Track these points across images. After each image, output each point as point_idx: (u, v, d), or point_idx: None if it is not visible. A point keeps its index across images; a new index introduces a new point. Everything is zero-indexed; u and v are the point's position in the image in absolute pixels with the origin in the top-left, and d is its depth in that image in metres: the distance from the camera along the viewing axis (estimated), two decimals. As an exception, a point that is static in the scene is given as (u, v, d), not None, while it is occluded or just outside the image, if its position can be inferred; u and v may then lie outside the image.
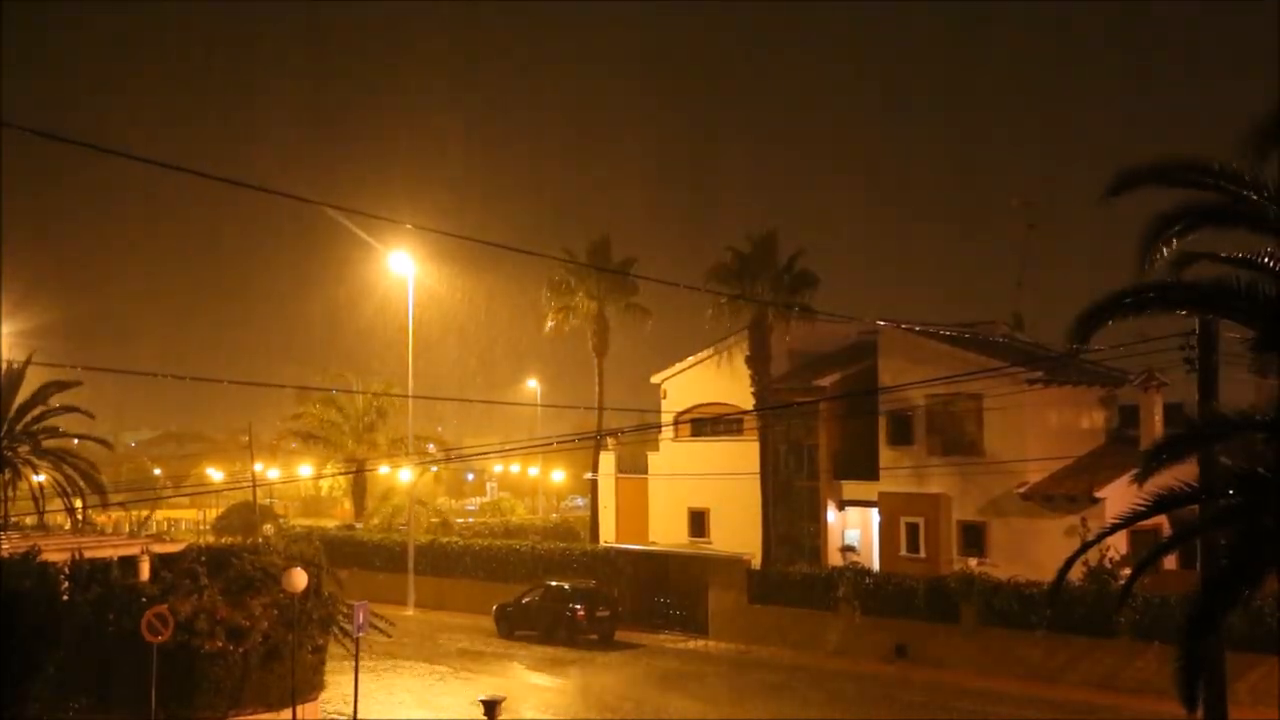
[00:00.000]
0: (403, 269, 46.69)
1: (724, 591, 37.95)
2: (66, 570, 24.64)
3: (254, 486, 52.54)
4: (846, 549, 38.82)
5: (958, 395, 35.31)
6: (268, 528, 53.08)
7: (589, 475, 49.52)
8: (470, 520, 64.77)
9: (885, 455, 38.53)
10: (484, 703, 20.12)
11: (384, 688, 30.03)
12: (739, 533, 40.43)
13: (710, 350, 44.17)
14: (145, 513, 59.06)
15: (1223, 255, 13.42)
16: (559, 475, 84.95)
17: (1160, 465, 13.02)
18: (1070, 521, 32.84)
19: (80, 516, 38.81)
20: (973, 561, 34.44)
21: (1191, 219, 13.40)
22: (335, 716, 26.60)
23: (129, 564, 26.41)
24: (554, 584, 38.93)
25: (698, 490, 43.53)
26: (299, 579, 23.55)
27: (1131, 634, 28.86)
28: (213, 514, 68.07)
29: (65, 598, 24.06)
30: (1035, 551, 33.12)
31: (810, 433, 41.18)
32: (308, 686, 25.06)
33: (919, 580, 33.59)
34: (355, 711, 24.94)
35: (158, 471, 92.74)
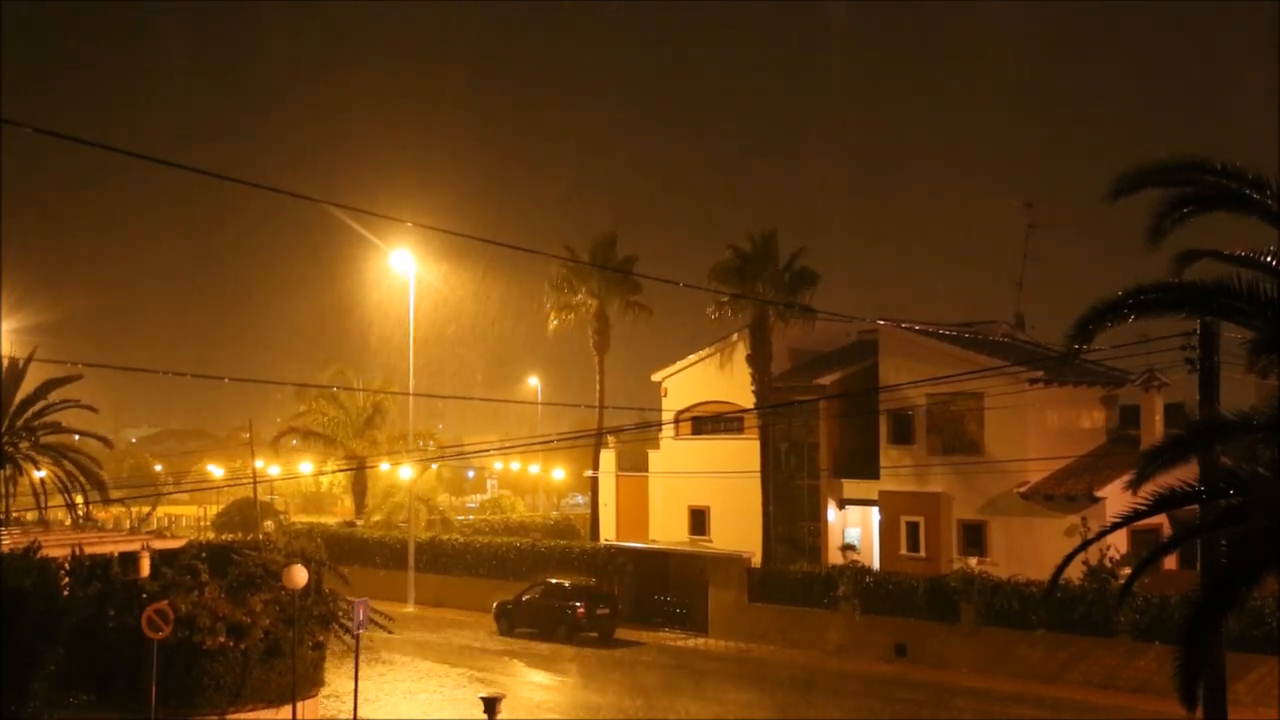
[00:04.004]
0: (404, 267, 46.79)
1: (724, 590, 37.97)
2: (67, 566, 24.66)
3: (255, 483, 52.57)
4: (847, 548, 38.82)
5: (959, 395, 35.31)
6: (268, 524, 53.12)
7: (589, 473, 49.54)
8: (471, 518, 64.83)
9: (886, 454, 38.54)
10: (484, 700, 20.12)
11: (384, 684, 30.06)
12: (739, 531, 40.44)
13: (711, 349, 44.18)
14: (148, 509, 59.10)
15: (1225, 253, 13.42)
16: (559, 473, 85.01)
17: (1158, 467, 13.02)
18: (1071, 521, 32.87)
19: (81, 512, 38.82)
20: (973, 561, 34.44)
21: (1203, 202, 13.40)
22: (335, 714, 26.63)
23: (129, 560, 26.45)
24: (554, 582, 38.95)
25: (698, 488, 43.55)
26: (299, 576, 23.55)
27: (1131, 634, 28.89)
28: (213, 510, 68.09)
29: (65, 594, 24.07)
30: (1036, 551, 33.12)
31: (811, 431, 41.20)
32: (308, 683, 25.07)
33: (919, 579, 33.60)
34: (355, 708, 24.96)
35: (159, 468, 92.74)
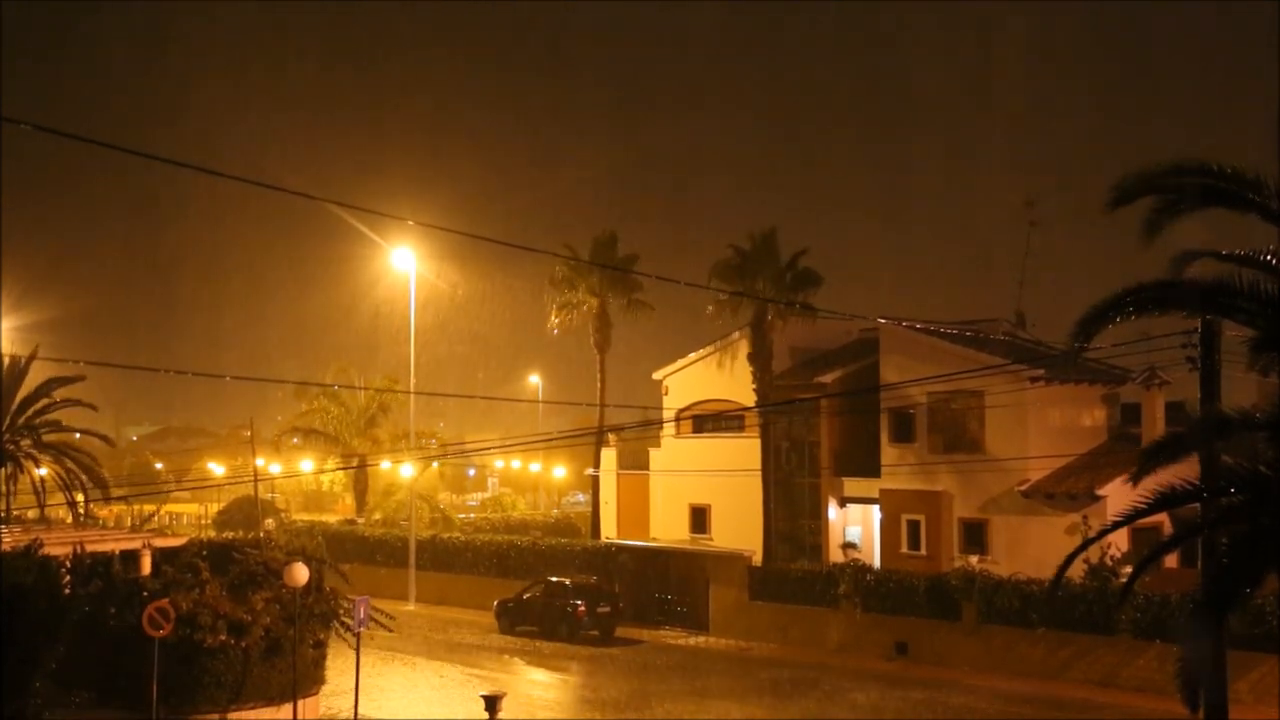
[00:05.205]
0: (405, 265, 46.80)
1: (725, 588, 37.97)
2: (68, 564, 24.63)
3: (255, 481, 52.51)
4: (847, 546, 38.84)
5: (959, 393, 35.32)
6: (269, 522, 53.07)
7: (590, 471, 49.53)
8: (472, 516, 64.83)
9: (887, 452, 38.53)
10: (485, 699, 20.14)
11: (384, 683, 30.06)
12: (740, 529, 40.45)
13: (712, 347, 44.18)
14: (152, 509, 59.16)
15: (1223, 254, 13.40)
16: (560, 471, 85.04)
17: (1156, 465, 13.01)
18: (1072, 519, 32.86)
19: (82, 510, 38.85)
20: (974, 559, 34.45)
21: (1202, 198, 13.38)
22: (336, 712, 26.63)
23: (130, 558, 26.42)
24: (555, 580, 38.95)
25: (699, 487, 43.55)
26: (300, 574, 23.56)
27: (1132, 632, 28.87)
28: (214, 509, 68.12)
29: (67, 592, 24.03)
30: (1037, 549, 33.10)
31: (811, 430, 41.19)
32: (309, 681, 25.08)
33: (920, 577, 33.60)
34: (356, 707, 24.96)
35: (159, 466, 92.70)
